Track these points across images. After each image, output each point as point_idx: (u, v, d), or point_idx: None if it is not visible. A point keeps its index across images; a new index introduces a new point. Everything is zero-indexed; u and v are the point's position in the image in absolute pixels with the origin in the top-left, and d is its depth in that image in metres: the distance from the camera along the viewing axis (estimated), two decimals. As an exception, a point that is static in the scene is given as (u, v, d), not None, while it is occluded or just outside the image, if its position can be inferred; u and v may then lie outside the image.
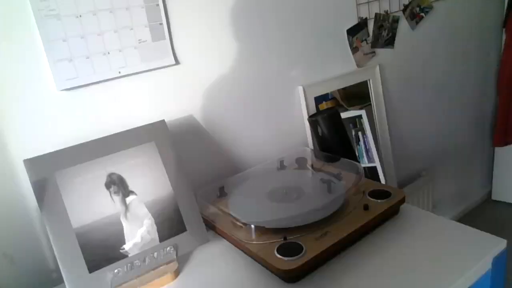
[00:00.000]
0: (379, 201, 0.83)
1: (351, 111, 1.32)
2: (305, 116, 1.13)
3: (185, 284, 0.72)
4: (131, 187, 0.78)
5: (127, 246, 0.75)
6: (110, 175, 0.76)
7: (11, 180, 0.76)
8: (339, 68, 1.20)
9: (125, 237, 0.75)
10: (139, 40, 0.85)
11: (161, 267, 0.75)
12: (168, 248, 0.77)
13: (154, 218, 0.78)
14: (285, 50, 1.08)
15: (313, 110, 1.14)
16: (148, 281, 0.72)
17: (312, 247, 0.71)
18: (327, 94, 1.21)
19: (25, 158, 0.71)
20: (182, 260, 0.78)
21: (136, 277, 0.73)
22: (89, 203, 0.74)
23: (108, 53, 0.82)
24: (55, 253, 0.70)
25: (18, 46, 0.73)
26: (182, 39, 0.91)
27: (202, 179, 0.98)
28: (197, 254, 0.81)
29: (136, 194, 0.78)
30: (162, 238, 0.78)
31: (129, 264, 0.74)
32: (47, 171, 0.72)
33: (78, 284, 0.70)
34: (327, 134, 1.06)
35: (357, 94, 1.33)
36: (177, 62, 0.91)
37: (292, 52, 1.10)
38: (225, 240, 0.83)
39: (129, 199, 0.77)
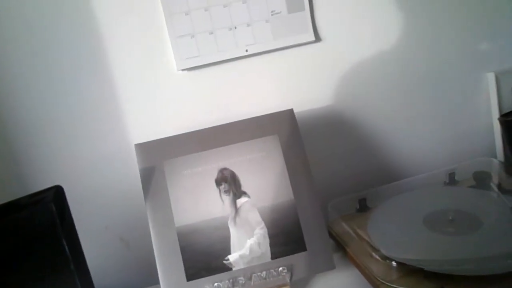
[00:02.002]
0: None
1: None
2: (496, 115, 0.81)
3: (294, 319, 0.56)
4: (244, 187, 0.65)
5: (232, 258, 0.62)
6: (222, 171, 0.65)
7: (130, 164, 0.72)
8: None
9: (231, 246, 0.63)
10: (272, 11, 0.71)
11: (269, 291, 0.61)
12: (280, 269, 0.62)
13: (267, 229, 0.63)
14: (471, 21, 0.79)
15: (508, 107, 0.82)
16: (250, 305, 0.58)
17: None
18: None
19: (136, 143, 0.65)
20: (296, 286, 0.62)
21: (239, 297, 0.61)
22: (195, 200, 0.64)
23: (235, 27, 0.70)
24: (154, 250, 0.62)
25: (140, 20, 0.68)
26: (325, 9, 0.73)
27: (337, 187, 0.78)
28: (316, 282, 0.64)
29: (249, 196, 0.64)
30: (274, 255, 0.63)
31: (231, 280, 0.61)
32: (157, 159, 0.65)
33: (174, 291, 0.61)
34: (528, 141, 0.73)
35: None
36: (317, 39, 0.74)
37: (481, 24, 0.79)
38: (356, 270, 0.63)
39: (240, 201, 0.64)
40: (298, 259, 0.63)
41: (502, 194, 0.70)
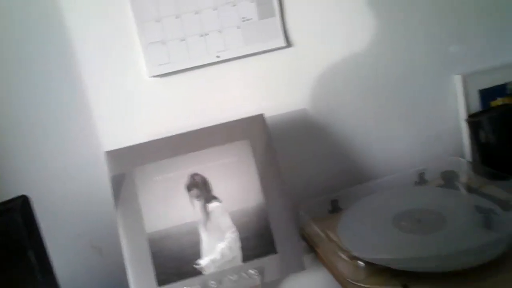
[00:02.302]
0: None
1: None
2: (463, 116, 0.83)
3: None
4: (215, 192, 0.65)
5: (203, 262, 0.63)
6: (192, 176, 0.66)
7: (101, 171, 0.72)
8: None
9: (202, 251, 0.63)
10: (242, 18, 0.71)
11: (241, 294, 0.61)
12: (251, 272, 0.63)
13: (238, 233, 0.64)
14: (439, 25, 0.81)
15: (475, 108, 0.84)
16: (221, 309, 0.59)
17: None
18: (503, 87, 0.88)
19: (106, 150, 0.66)
20: (267, 288, 0.63)
21: (210, 301, 0.61)
22: (166, 206, 0.64)
23: (206, 34, 0.71)
24: (124, 256, 0.62)
25: (111, 26, 0.68)
26: (296, 15, 0.74)
27: (311, 190, 0.79)
28: (287, 284, 0.64)
29: (220, 201, 0.65)
30: (245, 258, 0.63)
31: (202, 284, 0.62)
32: (127, 166, 0.65)
33: (145, 297, 0.61)
34: (494, 140, 0.75)
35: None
36: (288, 44, 0.75)
37: (450, 27, 0.81)
38: (326, 270, 0.64)
39: (211, 206, 0.65)
40: (269, 261, 0.64)
41: (468, 192, 0.71)
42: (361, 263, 0.58)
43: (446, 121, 0.85)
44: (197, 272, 0.62)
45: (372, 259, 0.57)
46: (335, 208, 0.75)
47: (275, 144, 0.71)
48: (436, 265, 0.54)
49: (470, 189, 0.72)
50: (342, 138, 0.81)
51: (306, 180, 0.80)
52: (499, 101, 0.87)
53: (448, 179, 0.76)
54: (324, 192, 0.79)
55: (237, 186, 0.66)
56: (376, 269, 0.57)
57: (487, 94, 0.85)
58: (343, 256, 0.60)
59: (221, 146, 0.67)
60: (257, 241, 0.64)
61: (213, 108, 0.74)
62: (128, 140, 0.68)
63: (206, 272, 0.63)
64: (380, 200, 0.73)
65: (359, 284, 0.56)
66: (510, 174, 0.70)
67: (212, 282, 0.62)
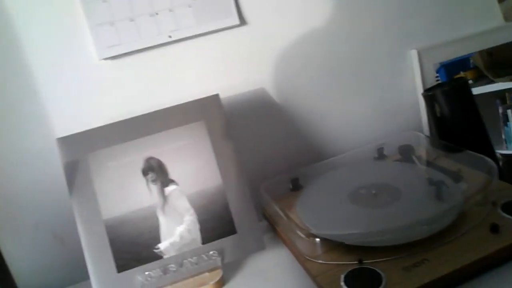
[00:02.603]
0: (520, 220, 0.55)
1: (499, 83, 0.97)
2: (420, 90, 0.85)
3: (229, 299, 0.58)
4: (172, 175, 0.65)
5: (162, 246, 0.63)
6: (148, 160, 0.65)
7: (56, 159, 0.70)
8: (474, 24, 0.87)
9: (161, 235, 0.63)
10: (194, -4, 0.70)
11: (202, 275, 0.62)
12: (211, 253, 0.63)
13: (197, 215, 0.64)
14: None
15: (431, 82, 0.85)
16: (184, 291, 0.59)
17: (397, 281, 0.49)
18: (466, 62, 0.89)
19: (58, 137, 0.64)
20: (228, 269, 0.63)
21: (171, 284, 0.61)
22: (122, 191, 0.63)
23: (156, 14, 0.69)
24: (82, 245, 0.61)
25: (55, 8, 0.65)
26: (249, -8, 0.73)
27: (272, 169, 0.79)
28: (248, 263, 0.65)
29: (177, 184, 0.64)
30: (205, 240, 0.63)
31: (162, 268, 0.61)
32: (80, 152, 0.64)
33: (105, 284, 0.61)
34: (448, 114, 0.76)
35: (510, 61, 0.96)
36: (242, 22, 0.73)
37: (404, 2, 0.81)
38: (287, 250, 0.65)
39: (168, 189, 0.64)
40: (228, 242, 0.64)
41: (423, 165, 0.73)
42: (317, 239, 0.58)
43: (404, 95, 0.86)
44: (157, 256, 0.62)
45: (326, 235, 0.58)
46: (295, 186, 0.76)
47: (233, 124, 0.70)
48: (388, 238, 0.55)
49: (425, 162, 0.74)
50: (301, 116, 0.81)
51: (267, 160, 0.80)
52: (462, 75, 0.88)
53: (405, 153, 0.77)
54: (286, 171, 0.79)
55: (194, 168, 0.65)
56: (332, 245, 0.58)
57: (452, 69, 0.87)
58: (300, 233, 0.60)
59: (176, 129, 0.66)
60: (216, 223, 0.64)
61: (168, 89, 0.73)
62: (83, 125, 0.66)
63: (166, 255, 0.62)
64: (338, 177, 0.74)
65: (315, 261, 0.57)
66: (463, 146, 0.71)
67: (172, 265, 0.62)
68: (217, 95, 0.68)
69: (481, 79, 0.92)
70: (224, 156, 0.66)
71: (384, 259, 0.53)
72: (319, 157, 0.82)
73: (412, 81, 0.85)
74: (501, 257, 0.51)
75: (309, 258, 0.58)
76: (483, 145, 0.77)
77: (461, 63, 0.89)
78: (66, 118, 0.70)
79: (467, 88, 0.78)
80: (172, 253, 0.62)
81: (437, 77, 0.87)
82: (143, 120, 0.66)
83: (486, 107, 0.84)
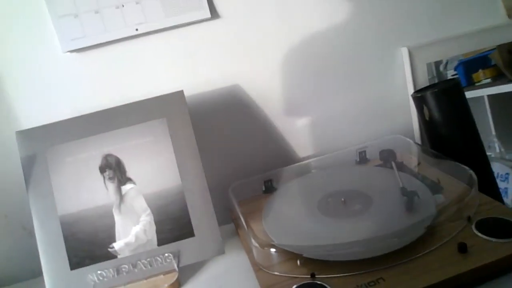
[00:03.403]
0: (493, 239, 0.49)
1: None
2: (411, 91, 0.79)
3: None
4: (130, 173, 0.63)
5: (117, 245, 0.61)
6: (106, 157, 0.63)
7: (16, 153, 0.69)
8: (472, 20, 0.80)
9: (116, 234, 0.61)
10: (162, -13, 0.67)
11: (157, 277, 0.60)
12: (166, 255, 0.61)
13: (154, 215, 0.62)
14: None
15: (424, 82, 0.79)
16: (136, 292, 0.58)
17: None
18: (486, 59, 0.82)
19: (18, 130, 0.63)
20: (185, 272, 0.62)
21: (124, 285, 0.60)
22: (78, 188, 0.62)
23: (122, 5, 0.66)
24: (37, 240, 0.61)
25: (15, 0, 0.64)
26: (222, -17, 0.69)
27: (248, 170, 0.76)
28: (207, 268, 0.63)
29: (134, 183, 0.63)
30: (161, 242, 0.62)
31: (115, 268, 0.60)
32: (39, 146, 0.63)
33: (57, 280, 0.60)
34: (437, 118, 0.71)
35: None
36: (215, 16, 0.70)
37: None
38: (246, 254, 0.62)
39: (125, 188, 0.63)
40: (186, 245, 0.62)
41: (401, 173, 0.68)
42: (272, 250, 0.55)
43: (394, 96, 0.80)
44: (111, 256, 0.61)
45: (284, 246, 0.55)
46: (268, 188, 0.73)
47: (205, 123, 0.68)
48: (343, 253, 0.52)
49: (404, 169, 0.69)
50: (279, 115, 0.77)
51: (241, 160, 0.77)
52: (480, 74, 0.82)
53: (386, 158, 0.72)
54: (261, 172, 0.76)
55: (153, 167, 0.63)
56: (290, 256, 0.54)
57: (472, 66, 0.81)
58: (254, 242, 0.57)
59: (136, 125, 0.64)
60: (174, 224, 0.62)
61: (135, 84, 0.71)
62: (46, 119, 0.65)
63: (120, 255, 0.61)
64: (310, 181, 0.71)
65: (268, 271, 0.54)
66: (452, 153, 0.66)
67: (125, 266, 0.60)
68: (181, 92, 0.65)
69: (500, 77, 0.86)
70: (185, 156, 0.63)
71: (339, 275, 0.50)
72: (298, 159, 0.78)
73: (403, 81, 0.79)
74: (463, 282, 0.47)
75: (262, 268, 0.55)
76: (474, 152, 0.72)
77: (481, 61, 0.83)
78: (31, 111, 0.69)
79: (459, 90, 0.72)
80: (127, 253, 0.61)
81: (454, 74, 0.82)
82: (104, 115, 0.64)
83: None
